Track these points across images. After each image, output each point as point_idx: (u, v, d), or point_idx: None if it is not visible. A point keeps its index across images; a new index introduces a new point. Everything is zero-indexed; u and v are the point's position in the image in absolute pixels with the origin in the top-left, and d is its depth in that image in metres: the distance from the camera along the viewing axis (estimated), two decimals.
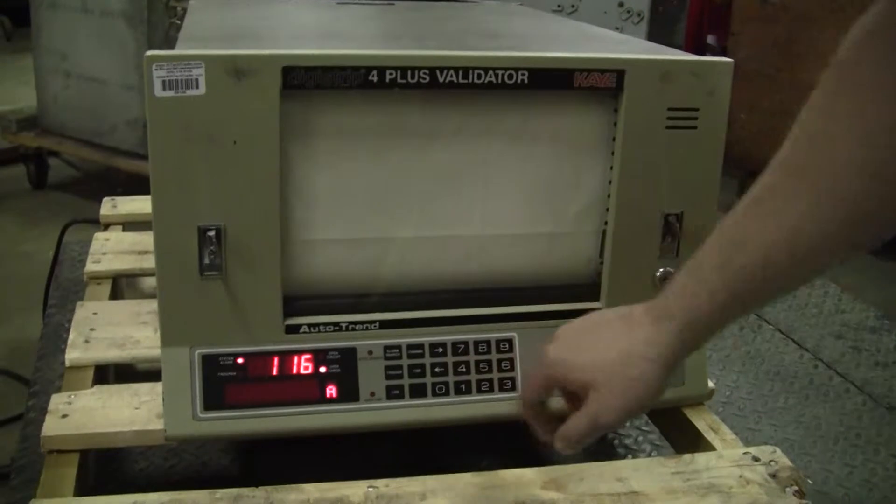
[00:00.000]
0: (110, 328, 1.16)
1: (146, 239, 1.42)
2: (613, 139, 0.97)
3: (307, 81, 0.87)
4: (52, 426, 0.95)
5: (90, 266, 1.37)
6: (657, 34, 3.59)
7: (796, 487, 0.91)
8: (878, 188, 0.66)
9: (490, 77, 0.91)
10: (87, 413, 0.97)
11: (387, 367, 0.95)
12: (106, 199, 1.62)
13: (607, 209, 0.99)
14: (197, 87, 0.85)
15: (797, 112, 0.70)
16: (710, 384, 1.05)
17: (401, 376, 0.95)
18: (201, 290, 0.90)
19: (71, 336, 1.14)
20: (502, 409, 0.96)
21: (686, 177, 0.98)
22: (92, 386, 1.04)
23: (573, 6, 3.61)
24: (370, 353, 0.95)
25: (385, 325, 0.95)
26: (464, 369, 0.96)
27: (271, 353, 0.93)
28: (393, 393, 0.94)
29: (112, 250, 1.41)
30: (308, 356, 0.93)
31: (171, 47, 0.88)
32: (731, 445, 0.99)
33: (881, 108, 0.65)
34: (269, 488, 0.87)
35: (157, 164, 0.86)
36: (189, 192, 0.87)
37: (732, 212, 0.74)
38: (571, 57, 0.94)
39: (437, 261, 0.98)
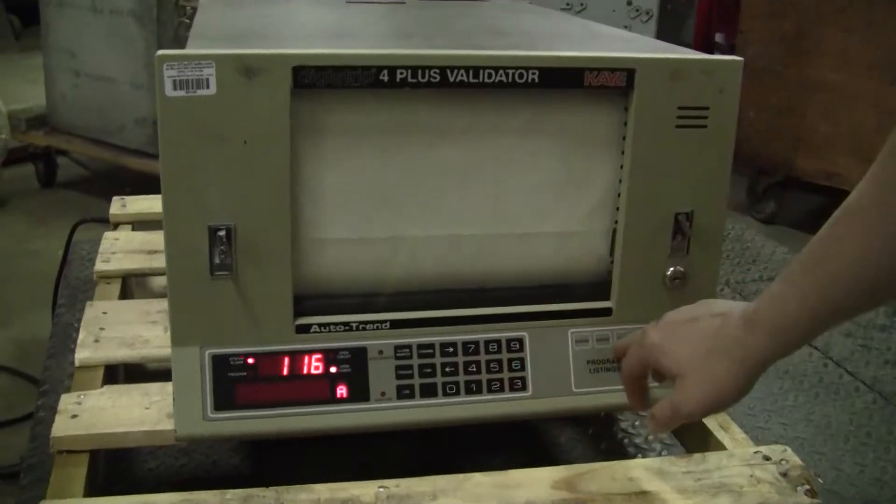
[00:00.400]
0: (120, 327, 1.16)
1: (156, 238, 1.42)
2: (623, 138, 0.97)
3: (318, 81, 0.87)
4: (61, 426, 0.95)
5: (100, 265, 1.37)
6: (666, 32, 3.58)
7: (807, 486, 0.91)
8: None
9: (500, 76, 0.91)
10: (96, 413, 0.98)
11: (397, 367, 0.95)
12: (115, 198, 1.62)
13: (617, 208, 0.99)
14: (207, 86, 0.85)
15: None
16: None
17: (411, 376, 0.95)
18: (212, 290, 0.90)
19: (81, 335, 1.14)
20: (513, 408, 0.96)
21: (696, 175, 0.98)
22: (102, 386, 1.04)
23: (582, 4, 3.61)
24: (380, 352, 0.95)
25: (395, 324, 0.95)
26: (474, 369, 0.96)
27: (282, 353, 0.93)
28: (403, 393, 0.94)
29: (122, 249, 1.42)
30: (318, 356, 0.93)
31: (181, 46, 0.88)
32: (742, 444, 0.99)
33: None
34: (279, 488, 0.87)
35: (167, 164, 0.87)
36: (199, 192, 0.87)
37: (828, 221, 0.74)
38: (582, 56, 0.94)
39: (448, 259, 0.98)
